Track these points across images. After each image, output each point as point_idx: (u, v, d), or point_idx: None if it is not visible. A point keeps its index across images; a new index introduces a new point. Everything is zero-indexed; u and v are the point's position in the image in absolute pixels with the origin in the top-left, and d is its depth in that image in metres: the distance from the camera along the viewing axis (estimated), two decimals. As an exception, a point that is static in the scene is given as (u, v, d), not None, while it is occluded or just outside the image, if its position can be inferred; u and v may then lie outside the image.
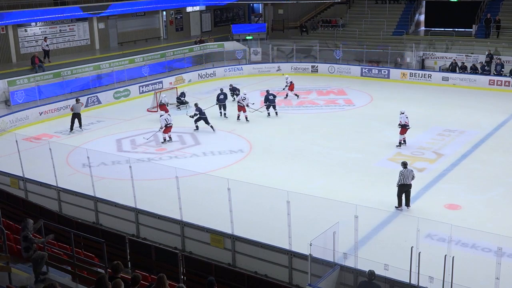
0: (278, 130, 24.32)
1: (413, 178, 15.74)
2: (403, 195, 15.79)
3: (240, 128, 24.34)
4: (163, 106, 26.24)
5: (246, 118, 25.43)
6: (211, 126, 23.78)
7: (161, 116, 22.64)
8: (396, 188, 15.80)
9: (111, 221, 15.43)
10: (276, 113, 26.19)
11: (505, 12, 36.65)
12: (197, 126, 24.11)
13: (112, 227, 14.93)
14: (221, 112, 26.40)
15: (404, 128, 21.35)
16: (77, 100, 24.94)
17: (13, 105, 26.79)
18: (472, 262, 13.06)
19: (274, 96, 26.26)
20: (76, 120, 24.49)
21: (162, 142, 22.48)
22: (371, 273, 10.37)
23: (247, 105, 25.68)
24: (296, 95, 29.40)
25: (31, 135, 23.49)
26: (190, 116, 24.28)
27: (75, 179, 17.99)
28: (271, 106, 26.09)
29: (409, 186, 15.75)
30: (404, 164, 15.89)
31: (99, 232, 13.42)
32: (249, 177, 17.28)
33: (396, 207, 15.86)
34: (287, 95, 29.48)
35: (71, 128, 24.40)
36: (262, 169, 19.49)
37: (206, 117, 23.82)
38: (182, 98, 28.21)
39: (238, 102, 25.68)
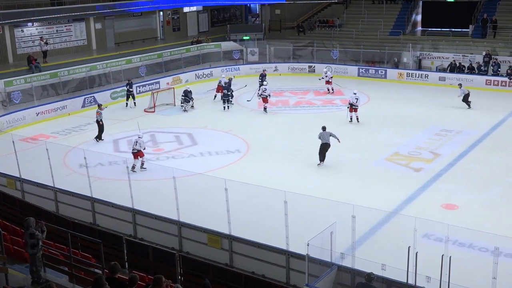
0: (275, 130, 24.32)
1: (330, 135, 19.61)
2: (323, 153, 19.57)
3: (237, 128, 24.34)
4: (219, 87, 28.64)
5: (265, 109, 26.61)
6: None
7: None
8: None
9: (108, 222, 15.41)
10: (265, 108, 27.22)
11: (502, 12, 36.72)
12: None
13: (109, 228, 14.90)
14: (224, 107, 27.41)
15: (351, 107, 24.88)
16: (99, 106, 23.58)
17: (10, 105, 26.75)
18: (469, 262, 13.08)
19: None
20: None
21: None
22: (370, 276, 10.34)
23: (269, 95, 27.02)
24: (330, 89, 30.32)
25: (28, 135, 23.44)
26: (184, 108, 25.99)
27: (72, 180, 17.97)
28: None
29: (328, 145, 19.58)
30: (324, 128, 19.86)
31: (96, 233, 13.40)
32: (246, 177, 17.27)
33: (318, 164, 19.53)
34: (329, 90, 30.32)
35: (100, 137, 23.07)
36: (259, 169, 19.48)
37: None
38: (183, 97, 28.03)
39: (261, 94, 26.88)
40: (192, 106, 27.87)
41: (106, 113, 25.01)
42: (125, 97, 28.98)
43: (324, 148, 19.58)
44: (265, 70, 31.43)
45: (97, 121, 22.96)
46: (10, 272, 10.34)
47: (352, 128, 24.44)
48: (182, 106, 27.67)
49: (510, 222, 15.17)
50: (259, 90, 27.57)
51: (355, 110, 24.98)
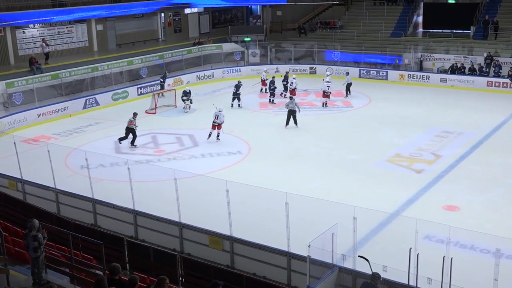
0: (276, 131, 24.33)
1: (296, 105, 24.22)
2: (291, 119, 24.25)
3: (238, 130, 24.34)
4: (264, 82, 30.73)
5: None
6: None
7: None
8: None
9: (109, 223, 15.41)
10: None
11: (503, 13, 36.69)
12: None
13: (110, 229, 14.88)
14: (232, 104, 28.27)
15: (324, 93, 27.91)
16: (135, 115, 22.82)
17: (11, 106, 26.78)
18: (471, 263, 13.06)
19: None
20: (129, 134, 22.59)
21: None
22: (375, 276, 10.27)
23: (295, 89, 29.11)
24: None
25: (29, 136, 23.45)
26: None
27: (73, 181, 17.97)
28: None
29: (294, 111, 24.17)
30: (291, 98, 25.34)
31: (97, 234, 13.39)
32: (248, 179, 17.27)
33: (285, 126, 24.29)
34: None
35: (121, 140, 22.62)
36: (260, 170, 19.48)
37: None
38: (185, 98, 28.17)
39: (290, 86, 29.23)
40: (189, 104, 28.02)
41: (107, 115, 25.13)
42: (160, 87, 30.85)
43: (290, 114, 24.36)
44: (240, 81, 29.17)
45: (129, 128, 22.36)
46: (11, 274, 10.33)
47: (352, 130, 24.44)
48: (186, 104, 27.85)
49: (512, 224, 15.15)
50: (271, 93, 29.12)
51: (327, 96, 28.13)
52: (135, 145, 22.50)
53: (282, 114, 26.87)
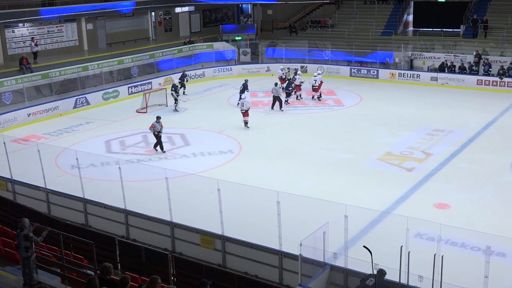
0: (268, 131, 24.34)
1: (279, 91, 26.91)
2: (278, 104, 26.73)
3: (230, 129, 24.32)
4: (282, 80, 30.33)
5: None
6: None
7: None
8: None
9: (100, 223, 15.36)
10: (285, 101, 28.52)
11: (492, 12, 36.90)
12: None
13: (101, 229, 14.85)
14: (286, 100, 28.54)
15: (312, 88, 29.09)
16: (158, 119, 21.43)
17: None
18: (461, 261, 13.14)
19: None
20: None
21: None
22: (383, 272, 10.26)
23: (300, 84, 29.39)
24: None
25: (19, 136, 23.34)
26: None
27: (64, 181, 17.90)
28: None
29: (278, 97, 26.86)
30: (276, 84, 27.25)
31: (89, 234, 13.36)
32: (239, 178, 17.27)
33: (271, 109, 26.93)
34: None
35: (162, 148, 21.48)
36: (252, 170, 19.49)
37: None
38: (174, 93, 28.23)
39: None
40: (179, 101, 27.99)
41: (98, 114, 24.95)
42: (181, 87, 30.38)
43: (275, 100, 26.97)
44: (247, 80, 29.26)
45: (154, 133, 21.30)
46: (2, 274, 10.29)
47: (344, 128, 24.50)
48: (175, 103, 27.74)
49: (502, 221, 15.25)
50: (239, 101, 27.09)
51: (316, 90, 28.95)
52: (164, 151, 21.32)
53: (273, 114, 26.93)
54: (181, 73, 31.32)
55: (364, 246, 10.70)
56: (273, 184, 16.37)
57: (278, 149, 21.79)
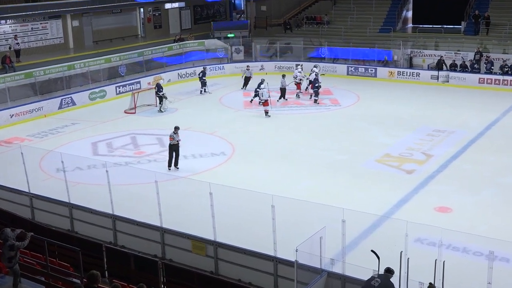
0: (262, 132, 24.34)
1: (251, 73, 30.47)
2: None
3: (222, 130, 24.30)
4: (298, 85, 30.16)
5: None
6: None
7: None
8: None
9: (87, 229, 15.30)
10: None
11: (494, 8, 37.04)
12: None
13: (88, 235, 14.80)
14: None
15: (297, 83, 29.83)
16: (176, 129, 19.82)
17: None
18: (463, 266, 13.17)
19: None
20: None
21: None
22: (390, 270, 10.25)
23: (300, 82, 29.95)
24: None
25: (2, 138, 23.24)
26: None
27: (49, 185, 17.82)
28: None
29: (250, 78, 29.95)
30: (248, 66, 31.22)
31: (75, 240, 13.31)
32: (232, 181, 17.24)
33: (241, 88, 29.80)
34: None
35: (170, 164, 19.79)
36: (245, 172, 19.47)
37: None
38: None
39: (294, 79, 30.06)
40: (166, 101, 27.91)
41: (84, 115, 24.78)
42: (200, 85, 31.31)
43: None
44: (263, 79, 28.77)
45: (170, 145, 19.77)
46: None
47: (340, 129, 24.53)
48: (161, 104, 27.67)
49: (505, 225, 15.29)
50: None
51: (299, 86, 29.82)
52: (177, 167, 19.68)
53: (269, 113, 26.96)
54: (201, 70, 31.86)
55: (372, 251, 10.69)
56: (267, 187, 16.35)
57: (273, 150, 21.78)
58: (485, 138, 22.91)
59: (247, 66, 32.97)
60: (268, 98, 26.38)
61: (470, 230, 14.28)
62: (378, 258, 10.46)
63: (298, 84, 29.88)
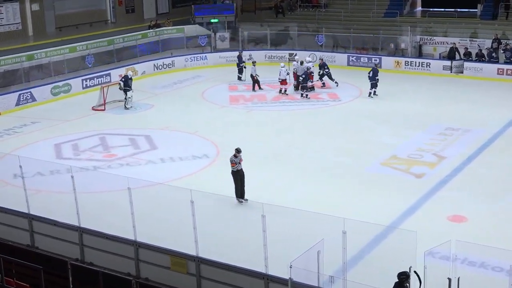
0: (250, 131, 24.36)
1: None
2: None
3: (204, 129, 24.30)
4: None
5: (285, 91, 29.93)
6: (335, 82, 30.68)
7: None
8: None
9: (49, 243, 15.23)
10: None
11: (516, -11, 37.31)
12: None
13: (51, 251, 14.74)
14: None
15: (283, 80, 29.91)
16: (238, 152, 17.87)
17: None
18: (481, 283, 13.23)
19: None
20: None
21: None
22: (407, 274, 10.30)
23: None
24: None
25: (-50, 140, 23.14)
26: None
27: (5, 193, 17.74)
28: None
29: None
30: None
31: (35, 257, 13.25)
32: (216, 187, 17.24)
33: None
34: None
35: (237, 194, 17.44)
36: (231, 178, 19.44)
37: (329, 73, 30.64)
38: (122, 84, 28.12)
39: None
40: (131, 97, 27.77)
41: (45, 113, 24.51)
42: (238, 71, 32.35)
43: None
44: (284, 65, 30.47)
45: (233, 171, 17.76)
46: None
47: (341, 127, 24.60)
48: (128, 98, 27.51)
49: (528, 236, 15.40)
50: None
51: (285, 83, 29.78)
52: (246, 200, 17.43)
53: (257, 110, 26.98)
54: (238, 55, 32.71)
55: (415, 272, 10.67)
56: (257, 194, 16.40)
57: (263, 152, 21.79)
58: (504, 138, 23.04)
59: (295, 54, 34.01)
60: (287, 77, 29.25)
61: (487, 242, 14.34)
62: (420, 282, 10.46)
63: (310, 75, 29.72)
